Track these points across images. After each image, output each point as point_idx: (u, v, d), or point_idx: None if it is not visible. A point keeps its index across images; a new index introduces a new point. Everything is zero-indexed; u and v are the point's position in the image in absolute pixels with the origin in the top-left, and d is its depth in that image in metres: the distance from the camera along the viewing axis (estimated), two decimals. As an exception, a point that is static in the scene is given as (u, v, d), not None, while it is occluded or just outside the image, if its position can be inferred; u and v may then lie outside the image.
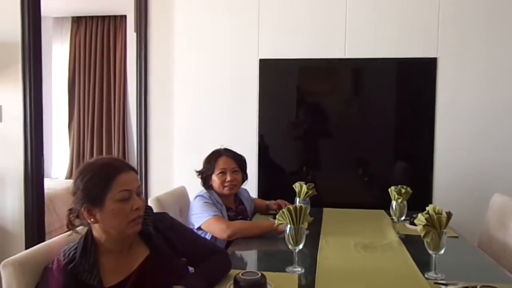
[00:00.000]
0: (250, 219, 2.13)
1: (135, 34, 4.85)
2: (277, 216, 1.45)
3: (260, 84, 2.55)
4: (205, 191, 2.01)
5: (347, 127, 2.67)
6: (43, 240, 2.90)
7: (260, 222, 2.01)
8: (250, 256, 1.76)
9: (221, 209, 1.95)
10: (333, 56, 2.52)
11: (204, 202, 1.91)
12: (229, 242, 1.81)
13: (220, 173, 2.00)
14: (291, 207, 1.40)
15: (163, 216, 1.33)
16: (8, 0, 2.70)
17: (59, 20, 5.34)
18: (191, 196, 2.25)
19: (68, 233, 1.25)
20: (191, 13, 2.59)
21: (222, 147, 2.08)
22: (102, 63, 5.25)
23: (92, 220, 1.14)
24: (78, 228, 1.21)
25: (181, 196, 2.19)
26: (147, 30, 2.63)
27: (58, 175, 5.31)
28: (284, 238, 1.76)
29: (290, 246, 1.41)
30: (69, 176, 5.24)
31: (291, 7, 2.53)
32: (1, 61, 2.73)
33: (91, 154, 5.26)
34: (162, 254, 1.22)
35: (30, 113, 2.74)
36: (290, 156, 2.77)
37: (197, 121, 2.60)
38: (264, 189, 2.60)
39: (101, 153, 5.25)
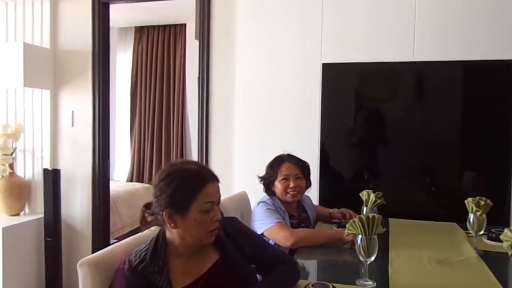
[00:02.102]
0: (313, 227, 2.07)
1: (194, 41, 5.00)
2: (347, 226, 1.38)
3: (323, 89, 2.49)
4: (268, 197, 1.98)
5: (410, 134, 2.54)
6: (108, 239, 3.02)
7: (325, 230, 1.94)
8: (315, 266, 1.70)
9: (284, 216, 1.91)
10: (400, 59, 2.41)
11: (267, 208, 1.88)
12: (291, 251, 1.77)
13: (283, 179, 1.96)
14: (363, 216, 1.33)
15: (233, 220, 1.31)
16: (81, 12, 2.85)
17: (123, 30, 5.60)
18: (252, 202, 2.24)
19: (145, 233, 1.27)
20: (253, 19, 2.59)
21: (285, 153, 2.04)
22: (163, 71, 5.43)
23: (172, 225, 1.14)
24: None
25: (242, 201, 2.18)
26: (210, 37, 2.66)
27: (120, 178, 5.53)
28: (349, 248, 1.72)
29: (361, 258, 1.34)
30: (130, 179, 5.45)
31: (356, 9, 2.45)
32: (73, 68, 2.89)
33: (151, 159, 5.43)
34: (232, 259, 1.20)
35: (99, 118, 2.87)
36: (351, 163, 2.68)
37: (258, 127, 2.58)
38: (325, 197, 2.53)
39: (160, 157, 5.40)
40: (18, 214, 2.86)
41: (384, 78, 2.59)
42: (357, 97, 2.62)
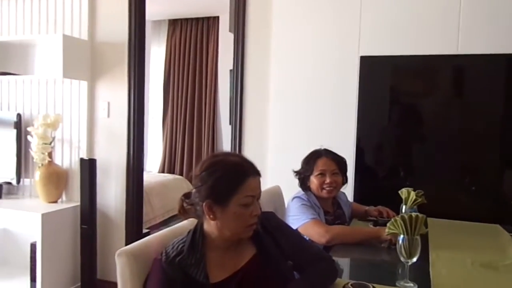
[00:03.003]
0: (348, 224, 2.02)
1: (227, 34, 4.98)
2: (388, 225, 1.33)
3: (360, 83, 2.42)
4: (302, 192, 1.94)
5: (448, 131, 2.44)
6: (141, 229, 3.06)
7: (362, 228, 1.89)
8: (351, 265, 1.65)
9: (319, 212, 1.87)
10: (443, 52, 2.31)
11: (302, 204, 1.85)
12: (326, 248, 1.73)
13: (319, 174, 1.92)
14: (405, 216, 1.27)
15: (271, 215, 1.29)
16: (118, 4, 2.88)
17: (157, 23, 5.66)
18: (285, 196, 2.21)
19: (181, 224, 1.26)
20: (289, 11, 2.54)
21: (322, 148, 2.00)
22: (195, 63, 5.46)
23: (211, 216, 1.13)
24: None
25: (276, 196, 2.16)
26: (245, 30, 2.63)
27: (151, 169, 5.62)
28: (387, 247, 1.67)
29: (402, 259, 1.29)
30: (162, 170, 5.53)
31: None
32: (110, 60, 2.93)
33: (182, 151, 5.49)
34: (269, 254, 1.18)
35: (134, 109, 2.90)
36: (387, 160, 2.60)
37: (292, 121, 2.54)
38: (360, 194, 2.47)
39: (191, 150, 5.46)
40: (55, 202, 2.94)
41: (425, 72, 2.49)
42: (396, 91, 2.53)
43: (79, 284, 2.89)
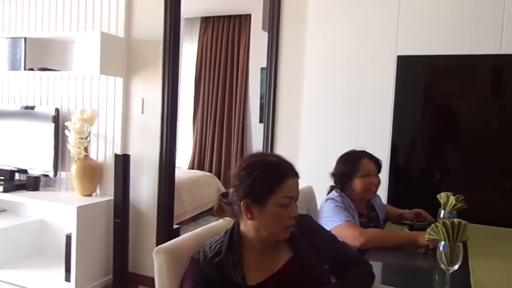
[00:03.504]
0: (382, 227, 1.98)
1: (258, 32, 4.97)
2: (428, 230, 1.29)
3: (397, 83, 2.37)
4: (336, 194, 1.91)
5: (486, 133, 2.35)
6: (172, 224, 3.10)
7: (398, 232, 1.85)
8: (385, 269, 1.62)
9: (354, 214, 1.84)
10: (486, 51, 2.22)
11: (336, 205, 1.82)
12: (359, 251, 1.70)
13: (364, 175, 1.88)
14: (447, 221, 1.23)
15: (307, 218, 1.28)
16: (154, 2, 2.92)
17: (189, 20, 5.70)
18: (318, 197, 2.19)
19: (215, 222, 1.27)
20: (325, 9, 2.51)
21: (360, 149, 1.96)
22: (226, 61, 5.48)
23: (248, 216, 1.13)
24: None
25: (308, 196, 2.13)
26: (279, 28, 2.62)
27: (181, 165, 5.68)
28: (423, 252, 1.62)
29: (442, 266, 1.25)
30: (191, 166, 5.59)
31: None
32: (145, 57, 2.97)
33: (212, 148, 5.53)
34: (306, 258, 1.17)
35: (167, 106, 2.94)
36: (422, 162, 2.53)
37: (326, 120, 2.51)
38: (393, 196, 2.42)
39: (221, 147, 5.49)
40: (90, 195, 3.01)
41: (463, 72, 2.41)
42: (433, 91, 2.46)
43: (111, 276, 2.96)
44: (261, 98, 5.33)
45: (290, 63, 2.61)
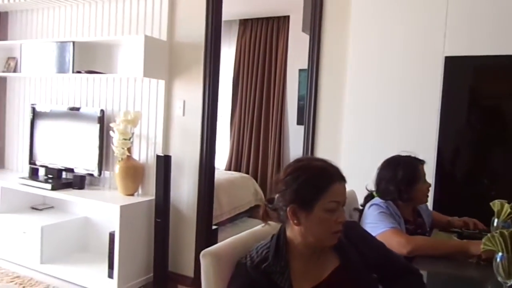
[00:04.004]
0: (429, 235, 1.91)
1: (297, 33, 4.94)
2: (483, 240, 1.23)
3: (444, 85, 2.28)
4: (380, 200, 1.86)
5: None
6: (211, 225, 3.13)
7: (447, 240, 1.78)
8: (436, 280, 1.55)
9: (400, 221, 1.79)
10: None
11: (380, 211, 1.77)
12: (406, 259, 1.64)
13: (424, 181, 1.86)
14: (505, 231, 1.17)
15: (355, 224, 1.25)
16: (196, 5, 2.96)
17: (227, 23, 5.74)
18: (360, 202, 2.15)
19: (259, 227, 1.26)
20: (368, 9, 2.45)
21: (404, 153, 1.90)
22: (264, 63, 5.48)
23: (295, 222, 1.12)
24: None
25: (351, 201, 2.09)
26: (321, 29, 2.58)
27: (218, 166, 5.73)
28: (475, 262, 1.55)
29: (499, 279, 1.19)
30: (228, 167, 5.63)
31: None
32: (187, 60, 3.02)
33: (249, 149, 5.55)
34: (354, 266, 1.14)
35: (208, 108, 2.97)
36: (470, 167, 2.43)
37: (369, 123, 2.46)
38: (440, 202, 2.33)
39: (258, 149, 5.49)
40: (132, 195, 3.09)
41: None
42: (483, 93, 2.36)
43: (152, 274, 3.02)
44: (299, 100, 5.29)
45: (332, 64, 2.57)
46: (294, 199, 1.11)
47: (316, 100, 2.61)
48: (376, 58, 2.44)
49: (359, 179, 2.00)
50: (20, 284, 2.87)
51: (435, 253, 1.62)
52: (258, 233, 1.31)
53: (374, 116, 2.45)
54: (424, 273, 1.52)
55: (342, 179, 1.15)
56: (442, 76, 2.29)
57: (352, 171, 2.40)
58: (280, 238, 1.15)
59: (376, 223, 1.74)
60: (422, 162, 1.88)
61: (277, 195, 1.17)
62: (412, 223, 1.87)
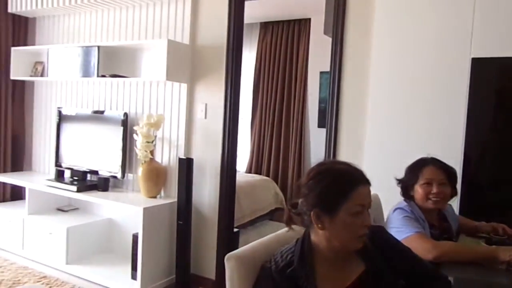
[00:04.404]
0: (455, 240, 1.87)
1: (318, 36, 4.92)
2: (514, 247, 1.20)
3: (471, 87, 2.23)
4: (405, 203, 1.83)
5: None
6: (232, 227, 3.13)
7: (475, 246, 1.73)
8: (466, 287, 1.51)
9: (424, 225, 1.75)
10: None
11: (405, 216, 1.75)
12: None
13: (424, 183, 1.80)
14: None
15: (380, 229, 1.23)
16: (218, 9, 2.98)
17: (248, 26, 5.76)
18: (383, 206, 2.12)
19: (283, 230, 1.26)
20: (393, 12, 2.42)
21: (429, 156, 1.87)
22: (285, 66, 5.47)
23: (319, 226, 1.11)
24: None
25: (374, 205, 2.05)
26: (343, 32, 2.56)
27: (239, 168, 5.74)
28: (505, 269, 1.50)
29: (531, 286, 1.15)
30: (249, 170, 5.64)
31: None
32: (209, 63, 3.04)
33: (269, 152, 5.55)
34: (380, 272, 1.13)
35: (230, 112, 2.98)
36: (498, 171, 2.37)
37: (392, 126, 2.42)
38: (467, 207, 2.28)
39: (279, 151, 5.48)
40: (155, 197, 3.12)
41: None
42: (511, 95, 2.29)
43: (174, 276, 3.04)
44: (320, 103, 5.27)
45: (355, 67, 2.55)
46: (317, 203, 1.11)
47: (338, 103, 2.59)
48: (400, 60, 2.40)
49: (383, 183, 1.97)
50: (47, 284, 2.94)
51: (462, 259, 1.58)
52: (282, 236, 1.30)
53: (398, 119, 2.41)
54: (451, 279, 1.49)
55: (366, 182, 1.14)
56: (469, 78, 2.24)
57: (375, 174, 2.36)
58: (304, 243, 1.15)
59: (400, 228, 1.71)
60: (432, 163, 1.82)
61: (300, 200, 1.16)
62: (438, 228, 1.84)
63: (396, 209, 1.81)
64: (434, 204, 1.79)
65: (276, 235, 1.33)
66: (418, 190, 1.81)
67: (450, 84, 2.29)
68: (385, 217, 1.96)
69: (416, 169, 1.84)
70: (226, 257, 1.17)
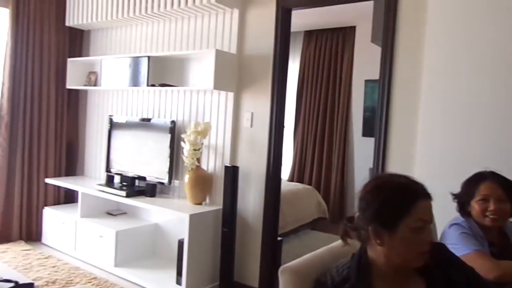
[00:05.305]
0: (517, 259, 1.77)
1: (363, 43, 4.84)
2: None
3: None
4: (462, 219, 1.76)
5: None
6: (276, 236, 3.13)
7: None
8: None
9: (483, 243, 1.67)
10: None
11: (462, 232, 1.67)
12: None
13: (481, 200, 1.71)
14: None
15: (441, 247, 1.19)
16: (265, 19, 3.01)
17: (292, 34, 5.74)
18: (437, 221, 2.04)
19: (336, 243, 1.24)
20: (446, 19, 2.34)
21: (488, 170, 1.79)
22: (329, 74, 5.44)
23: (378, 242, 1.08)
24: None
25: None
26: (394, 39, 2.51)
27: (281, 177, 5.72)
28: None
29: None
30: (291, 178, 5.62)
31: None
32: (255, 72, 3.07)
33: (312, 160, 5.51)
34: (441, 291, 1.08)
35: (275, 120, 2.99)
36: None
37: (446, 137, 2.33)
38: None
39: (321, 160, 5.43)
40: (200, 204, 3.17)
41: None
42: None
43: (218, 283, 3.07)
44: (365, 111, 5.18)
45: (406, 75, 2.48)
46: (375, 218, 1.08)
47: (388, 112, 2.53)
48: (456, 68, 2.31)
49: (435, 198, 1.90)
50: (97, 285, 3.04)
51: (527, 280, 1.49)
52: (336, 250, 1.29)
53: (453, 130, 2.32)
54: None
55: (428, 196, 1.11)
56: (532, 88, 2.13)
57: (428, 188, 2.31)
58: (361, 258, 1.12)
59: (457, 245, 1.64)
60: (490, 178, 1.73)
61: (357, 214, 1.14)
62: (497, 246, 1.74)
63: (452, 224, 1.74)
64: (491, 222, 1.70)
65: (329, 248, 1.31)
66: (475, 207, 1.73)
67: (509, 92, 2.18)
68: (439, 233, 1.89)
69: (472, 184, 1.76)
70: (280, 269, 1.17)
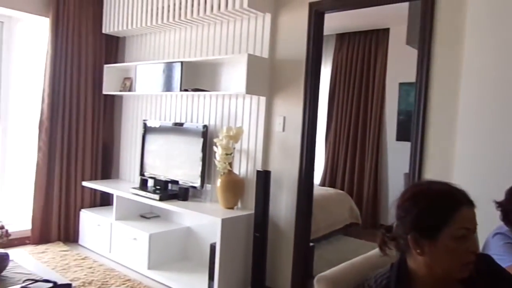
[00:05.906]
0: None
1: (397, 46, 4.74)
2: None
3: None
4: (506, 228, 1.67)
5: None
6: (308, 241, 3.09)
7: None
8: None
9: (529, 253, 1.58)
10: None
11: (507, 242, 1.59)
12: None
13: None
14: None
15: (488, 258, 1.13)
16: (298, 22, 2.99)
17: (324, 38, 5.70)
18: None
19: (373, 252, 1.20)
20: (486, 21, 2.26)
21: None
22: (361, 77, 5.35)
23: (418, 251, 1.05)
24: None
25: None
26: (431, 42, 2.43)
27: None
28: None
29: None
30: (323, 183, 5.55)
31: None
32: (288, 76, 3.05)
33: (344, 165, 5.43)
34: (487, 305, 1.03)
35: (308, 125, 2.96)
36: None
37: (486, 143, 2.23)
38: None
39: (354, 165, 5.34)
40: (232, 208, 3.17)
41: None
42: None
43: (249, 288, 3.06)
44: (399, 115, 5.06)
45: (443, 78, 2.40)
46: (415, 227, 1.04)
47: (424, 116, 2.45)
48: (496, 70, 2.22)
49: (477, 205, 1.82)
50: (131, 287, 3.10)
51: None
52: (373, 260, 1.25)
53: (494, 135, 2.22)
54: None
55: (471, 203, 1.06)
56: None
57: (470, 195, 2.22)
58: (401, 268, 1.08)
59: (502, 255, 1.56)
60: None
61: (395, 223, 1.10)
62: (545, 257, 1.65)
63: (496, 233, 1.66)
64: None
65: (366, 257, 1.27)
66: None
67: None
68: (481, 242, 1.81)
69: None
70: (316, 278, 1.15)
